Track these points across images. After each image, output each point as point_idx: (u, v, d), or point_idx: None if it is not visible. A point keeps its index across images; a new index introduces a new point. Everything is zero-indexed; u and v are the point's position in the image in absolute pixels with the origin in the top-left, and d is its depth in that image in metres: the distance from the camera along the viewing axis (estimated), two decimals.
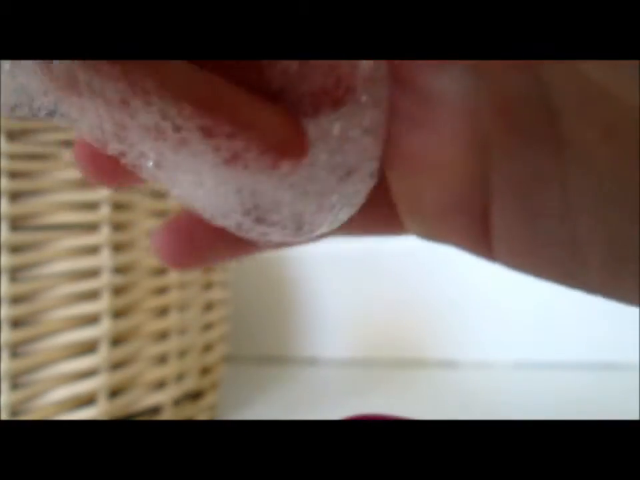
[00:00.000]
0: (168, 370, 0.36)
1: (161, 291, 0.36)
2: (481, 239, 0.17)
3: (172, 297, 0.36)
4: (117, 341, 0.33)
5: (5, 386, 0.30)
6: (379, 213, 0.18)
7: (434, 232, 0.17)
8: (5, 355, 0.30)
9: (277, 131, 0.13)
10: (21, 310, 0.30)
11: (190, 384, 0.38)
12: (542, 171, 0.15)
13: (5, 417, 0.30)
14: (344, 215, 0.15)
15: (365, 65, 0.14)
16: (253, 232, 0.15)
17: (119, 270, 0.33)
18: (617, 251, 0.14)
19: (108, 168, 0.16)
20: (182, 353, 0.37)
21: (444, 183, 0.16)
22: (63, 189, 0.31)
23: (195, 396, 0.39)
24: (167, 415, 0.36)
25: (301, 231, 0.15)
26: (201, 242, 0.17)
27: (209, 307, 0.41)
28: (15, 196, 0.30)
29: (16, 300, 0.30)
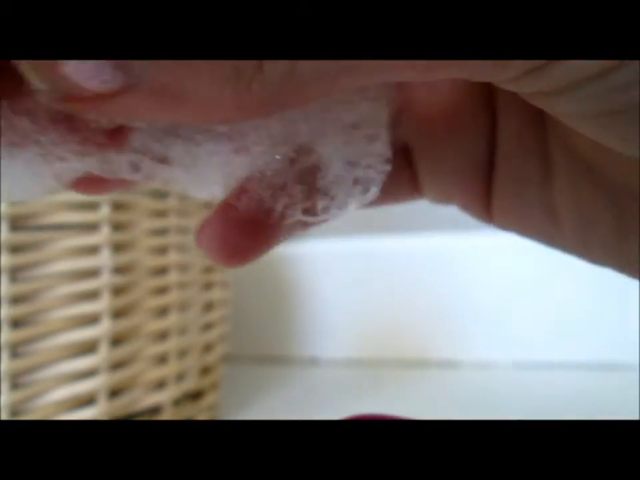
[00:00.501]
0: (168, 370, 0.36)
1: (161, 290, 0.36)
2: (484, 200, 0.19)
3: (172, 296, 0.36)
4: (116, 340, 0.33)
5: (5, 386, 0.30)
6: (401, 182, 0.20)
7: (447, 192, 0.19)
8: (4, 355, 0.30)
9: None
10: (21, 310, 0.30)
11: (190, 384, 0.38)
12: (527, 138, 0.17)
13: (5, 417, 0.30)
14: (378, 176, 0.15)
15: None
16: (321, 212, 0.15)
17: (119, 270, 0.33)
18: (585, 216, 0.16)
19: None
20: (182, 353, 0.37)
21: (460, 146, 0.18)
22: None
23: (194, 396, 0.39)
24: (167, 415, 0.36)
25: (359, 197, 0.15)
26: (253, 233, 0.15)
27: (208, 307, 0.41)
28: None
29: (16, 300, 0.30)
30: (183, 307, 0.37)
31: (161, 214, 0.36)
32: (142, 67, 0.10)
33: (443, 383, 0.49)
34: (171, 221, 0.36)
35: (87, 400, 0.32)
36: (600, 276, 0.49)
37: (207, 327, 0.40)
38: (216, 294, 0.41)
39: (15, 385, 0.30)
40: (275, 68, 0.10)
